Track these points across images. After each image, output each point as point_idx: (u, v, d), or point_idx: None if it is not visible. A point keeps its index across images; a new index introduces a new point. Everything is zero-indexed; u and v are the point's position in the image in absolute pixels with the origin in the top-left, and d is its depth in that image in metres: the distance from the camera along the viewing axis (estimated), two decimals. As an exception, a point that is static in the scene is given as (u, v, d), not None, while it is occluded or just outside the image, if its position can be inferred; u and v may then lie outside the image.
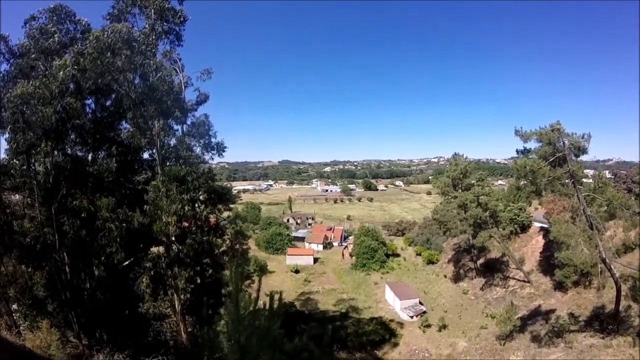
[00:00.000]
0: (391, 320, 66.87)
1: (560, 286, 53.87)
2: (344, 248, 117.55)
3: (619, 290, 38.93)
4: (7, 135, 22.90)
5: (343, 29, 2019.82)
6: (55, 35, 24.60)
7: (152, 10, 27.44)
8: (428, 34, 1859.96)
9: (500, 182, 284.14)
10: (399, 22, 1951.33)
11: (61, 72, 22.34)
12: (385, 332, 61.10)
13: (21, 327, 21.44)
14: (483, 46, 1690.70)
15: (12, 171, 23.82)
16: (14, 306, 24.31)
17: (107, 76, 24.52)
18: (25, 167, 23.57)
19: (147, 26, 27.64)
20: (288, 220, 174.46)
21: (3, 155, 24.12)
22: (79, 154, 26.38)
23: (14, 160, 23.69)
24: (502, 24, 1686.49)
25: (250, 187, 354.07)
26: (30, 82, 21.88)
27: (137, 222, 24.57)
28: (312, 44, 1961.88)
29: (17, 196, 25.52)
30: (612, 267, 37.75)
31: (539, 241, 70.85)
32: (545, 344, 43.48)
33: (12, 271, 24.46)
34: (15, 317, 22.81)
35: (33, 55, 24.18)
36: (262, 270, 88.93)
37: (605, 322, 41.42)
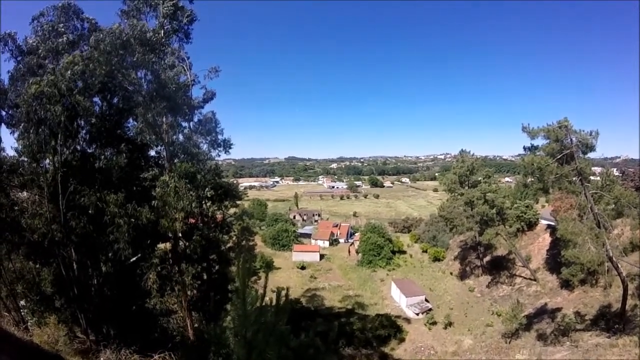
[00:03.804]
0: (397, 317, 66.87)
1: (566, 284, 53.78)
2: (350, 245, 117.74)
3: (625, 289, 38.79)
4: (17, 134, 23.06)
5: (349, 26, 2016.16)
6: (65, 36, 24.70)
7: (162, 9, 27.59)
8: (434, 31, 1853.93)
9: (507, 179, 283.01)
10: (405, 20, 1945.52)
11: (69, 72, 22.42)
12: (391, 328, 61.10)
13: (29, 323, 21.60)
14: (489, 43, 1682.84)
15: (20, 169, 23.97)
16: (22, 302, 24.46)
17: (117, 73, 24.64)
18: (34, 164, 23.70)
19: (157, 24, 27.78)
20: (294, 217, 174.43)
21: (12, 153, 24.27)
22: (88, 150, 26.49)
23: (23, 157, 23.82)
24: (509, 22, 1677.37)
25: (256, 183, 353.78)
26: (41, 80, 22.00)
27: (145, 218, 24.68)
28: (318, 41, 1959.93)
29: (25, 193, 25.66)
30: (619, 265, 37.62)
31: (545, 239, 70.71)
32: (551, 343, 43.44)
33: (20, 268, 24.64)
34: (23, 313, 22.97)
35: (42, 54, 24.29)
36: (269, 266, 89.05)
37: (611, 321, 41.34)
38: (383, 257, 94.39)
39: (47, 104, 21.76)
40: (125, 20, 26.72)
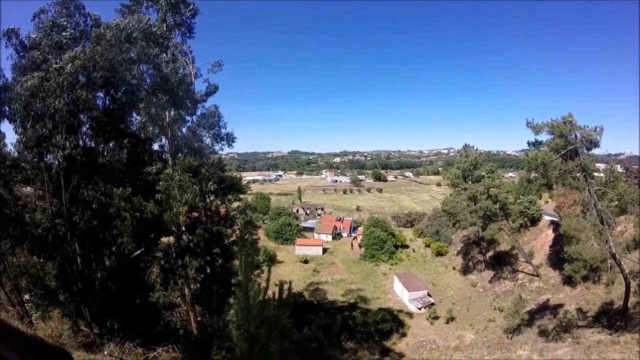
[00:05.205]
0: (399, 312, 66.91)
1: (569, 281, 53.70)
2: (353, 239, 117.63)
3: (628, 287, 38.76)
4: (17, 128, 23.10)
5: (352, 21, 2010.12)
6: (67, 31, 24.74)
7: (165, 3, 27.61)
8: (437, 26, 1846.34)
9: (510, 174, 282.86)
10: (408, 14, 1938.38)
11: (69, 65, 22.45)
12: (393, 323, 61.04)
13: (33, 317, 21.66)
14: (493, 38, 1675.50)
15: (23, 164, 24.07)
16: (26, 296, 24.61)
17: (120, 67, 24.69)
18: (36, 159, 23.78)
19: (159, 18, 27.80)
20: (297, 211, 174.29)
21: (12, 148, 24.36)
22: (91, 145, 26.56)
23: (25, 152, 23.89)
24: (513, 17, 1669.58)
25: (259, 177, 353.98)
26: (38, 75, 22.04)
27: (150, 212, 24.76)
28: (321, 36, 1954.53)
29: (29, 188, 25.78)
30: (622, 262, 37.58)
31: (548, 235, 70.59)
32: (553, 339, 43.43)
33: (24, 262, 24.80)
34: (27, 307, 23.08)
35: (45, 49, 24.34)
36: (272, 260, 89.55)
37: (613, 319, 41.33)
38: (386, 252, 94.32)
39: (47, 97, 21.82)
40: (127, 16, 26.68)
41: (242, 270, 7.47)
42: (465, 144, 78.97)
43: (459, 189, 75.11)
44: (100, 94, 26.87)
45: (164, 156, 30.56)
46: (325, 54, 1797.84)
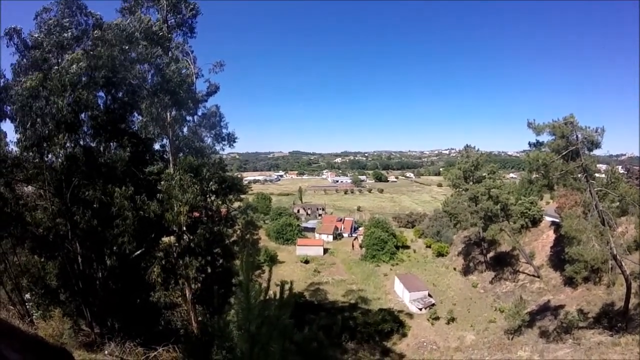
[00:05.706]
0: (400, 312, 66.98)
1: (570, 282, 53.68)
2: (354, 239, 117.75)
3: (629, 288, 38.74)
4: (18, 128, 23.12)
5: (353, 21, 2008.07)
6: (70, 31, 24.74)
7: (166, 3, 27.62)
8: (438, 26, 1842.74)
9: (511, 175, 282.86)
10: (408, 15, 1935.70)
11: (74, 66, 22.48)
12: (393, 323, 61.12)
13: (34, 316, 21.75)
14: (494, 38, 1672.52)
15: (24, 163, 24.08)
16: (27, 296, 24.66)
17: (121, 67, 24.69)
18: (37, 159, 23.80)
19: (160, 18, 27.80)
20: (298, 211, 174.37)
21: (13, 147, 24.36)
22: (92, 144, 26.56)
23: (25, 152, 23.90)
24: (514, 18, 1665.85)
25: (260, 177, 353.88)
26: (37, 76, 22.06)
27: (152, 212, 24.76)
28: (322, 36, 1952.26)
29: (30, 187, 25.79)
30: (623, 264, 37.55)
31: (549, 236, 70.53)
32: (554, 340, 43.43)
33: (25, 261, 24.84)
34: (28, 307, 23.14)
35: (47, 48, 24.33)
36: (272, 260, 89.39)
37: (614, 320, 41.30)
38: (387, 252, 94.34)
39: (50, 96, 21.85)
40: (127, 16, 26.67)
41: (243, 270, 7.48)
42: (467, 144, 79.18)
43: (460, 189, 75.16)
44: (102, 94, 26.88)
45: (165, 156, 30.50)
46: (325, 54, 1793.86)
